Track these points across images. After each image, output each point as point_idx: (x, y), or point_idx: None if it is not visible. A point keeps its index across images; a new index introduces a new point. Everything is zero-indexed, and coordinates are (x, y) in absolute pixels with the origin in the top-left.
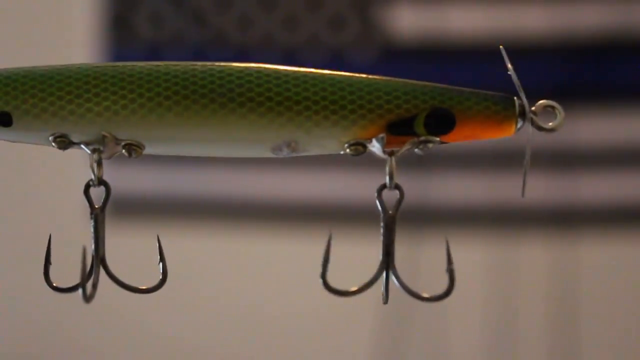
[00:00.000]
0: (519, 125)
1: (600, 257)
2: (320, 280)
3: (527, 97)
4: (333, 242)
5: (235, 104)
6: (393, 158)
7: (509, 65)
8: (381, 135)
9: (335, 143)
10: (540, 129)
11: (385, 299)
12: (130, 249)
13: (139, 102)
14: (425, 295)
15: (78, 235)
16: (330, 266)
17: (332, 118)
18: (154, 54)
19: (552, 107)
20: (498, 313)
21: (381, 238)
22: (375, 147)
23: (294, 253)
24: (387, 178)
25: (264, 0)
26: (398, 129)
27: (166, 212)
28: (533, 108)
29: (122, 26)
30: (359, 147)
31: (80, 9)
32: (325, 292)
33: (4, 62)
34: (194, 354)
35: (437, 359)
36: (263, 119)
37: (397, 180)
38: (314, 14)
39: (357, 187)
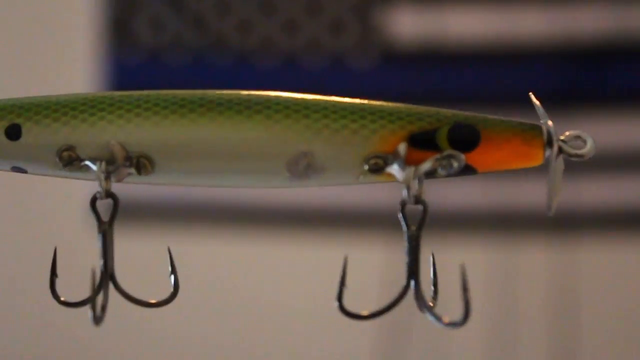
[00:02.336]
0: (547, 153)
1: (600, 260)
2: (336, 304)
3: (527, 102)
4: (337, 246)
5: (252, 111)
6: (410, 169)
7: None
8: (402, 144)
9: (354, 156)
10: (570, 155)
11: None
12: (138, 253)
13: (153, 110)
14: (446, 320)
15: (83, 244)
16: (330, 268)
17: (351, 127)
18: (154, 59)
19: (580, 137)
20: (498, 316)
21: (405, 257)
22: (394, 168)
23: (299, 257)
24: (405, 192)
25: (263, 5)
26: (420, 141)
27: (174, 217)
28: (562, 137)
29: (123, 31)
30: (379, 161)
31: (81, 13)
32: (326, 292)
33: (4, 67)
34: (196, 353)
35: (437, 358)
36: (279, 125)
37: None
38: (314, 19)
39: (364, 192)
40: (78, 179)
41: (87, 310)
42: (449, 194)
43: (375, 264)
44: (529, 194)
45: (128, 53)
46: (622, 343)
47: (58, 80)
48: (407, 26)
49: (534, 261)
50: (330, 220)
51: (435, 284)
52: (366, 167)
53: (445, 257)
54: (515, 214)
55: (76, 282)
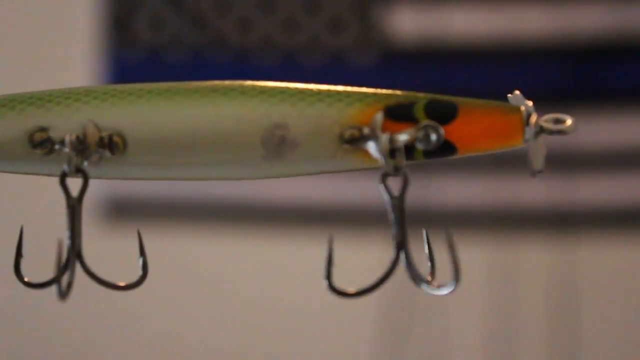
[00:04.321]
0: (527, 132)
1: (599, 258)
2: (326, 282)
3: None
4: (335, 244)
5: (228, 89)
6: (387, 135)
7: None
8: (379, 113)
9: (329, 128)
10: (551, 131)
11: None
12: (129, 251)
13: (128, 91)
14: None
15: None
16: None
17: (327, 100)
18: (153, 57)
19: (559, 118)
20: (498, 314)
21: (392, 229)
22: (371, 141)
23: (294, 254)
24: (384, 161)
25: (263, 3)
26: (397, 113)
27: (166, 214)
28: (543, 118)
29: (122, 29)
30: (355, 131)
31: (81, 11)
32: (325, 292)
33: (4, 65)
34: (193, 352)
35: (437, 359)
36: (254, 99)
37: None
38: (314, 17)
39: (357, 189)
40: (40, 174)
41: (80, 306)
42: (449, 192)
43: (376, 264)
44: (529, 192)
45: (128, 51)
46: (622, 341)
47: (58, 77)
48: (407, 24)
49: (534, 259)
50: (330, 218)
51: (431, 259)
52: (344, 139)
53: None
54: (514, 212)
55: (48, 268)
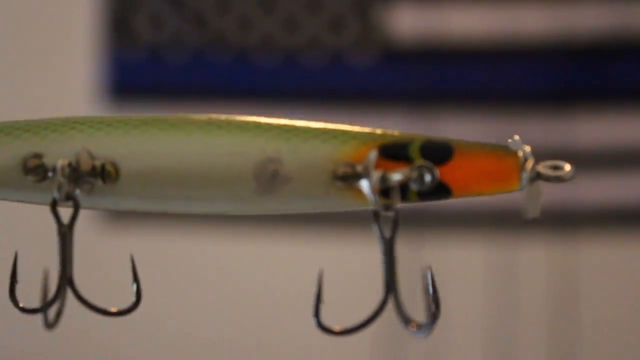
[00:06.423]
0: (523, 177)
1: (599, 258)
2: (314, 320)
3: (527, 100)
4: (343, 243)
5: (223, 122)
6: (379, 173)
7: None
8: (372, 152)
9: (322, 165)
10: (548, 177)
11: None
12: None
13: (124, 120)
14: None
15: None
16: (328, 268)
17: (321, 137)
18: (154, 56)
19: (557, 165)
20: (498, 314)
21: (382, 270)
22: (364, 179)
23: (295, 254)
24: (375, 199)
25: (263, 2)
26: (391, 152)
27: (164, 215)
28: (540, 165)
29: (122, 28)
30: (348, 169)
31: (81, 11)
32: (327, 293)
33: (4, 65)
34: (193, 352)
35: (437, 358)
36: (248, 133)
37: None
38: (314, 16)
39: None
40: (32, 202)
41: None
42: None
43: (376, 262)
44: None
45: (128, 51)
46: (622, 340)
47: (58, 77)
48: (407, 24)
49: (534, 259)
50: (333, 218)
51: (436, 301)
52: (335, 176)
53: (445, 255)
54: (514, 211)
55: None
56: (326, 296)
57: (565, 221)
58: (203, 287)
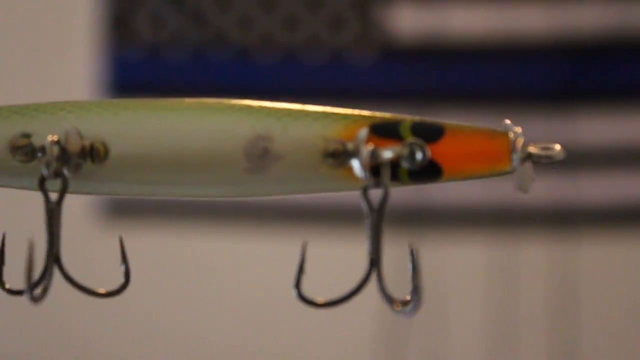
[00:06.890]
0: (514, 157)
1: (600, 257)
2: (295, 291)
3: (527, 99)
4: (333, 242)
5: (214, 103)
6: (370, 149)
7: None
8: (363, 129)
9: (313, 143)
10: (539, 157)
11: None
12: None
13: (115, 102)
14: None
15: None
16: (325, 266)
17: (312, 115)
18: (154, 55)
19: (547, 146)
20: (498, 313)
21: (368, 244)
22: (354, 157)
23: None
24: (364, 174)
25: (263, 1)
26: (382, 130)
27: (166, 212)
28: (530, 146)
29: (123, 27)
30: (339, 146)
31: (81, 10)
32: (326, 293)
33: (4, 64)
34: (193, 351)
35: (437, 357)
36: (240, 111)
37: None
38: (314, 14)
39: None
40: (18, 187)
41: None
42: (450, 190)
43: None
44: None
45: (128, 49)
46: (622, 340)
47: (58, 76)
48: (407, 22)
49: (534, 258)
50: (331, 217)
51: (415, 280)
52: (326, 153)
53: (446, 254)
54: (515, 210)
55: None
56: (326, 296)
57: (565, 220)
58: (202, 283)
